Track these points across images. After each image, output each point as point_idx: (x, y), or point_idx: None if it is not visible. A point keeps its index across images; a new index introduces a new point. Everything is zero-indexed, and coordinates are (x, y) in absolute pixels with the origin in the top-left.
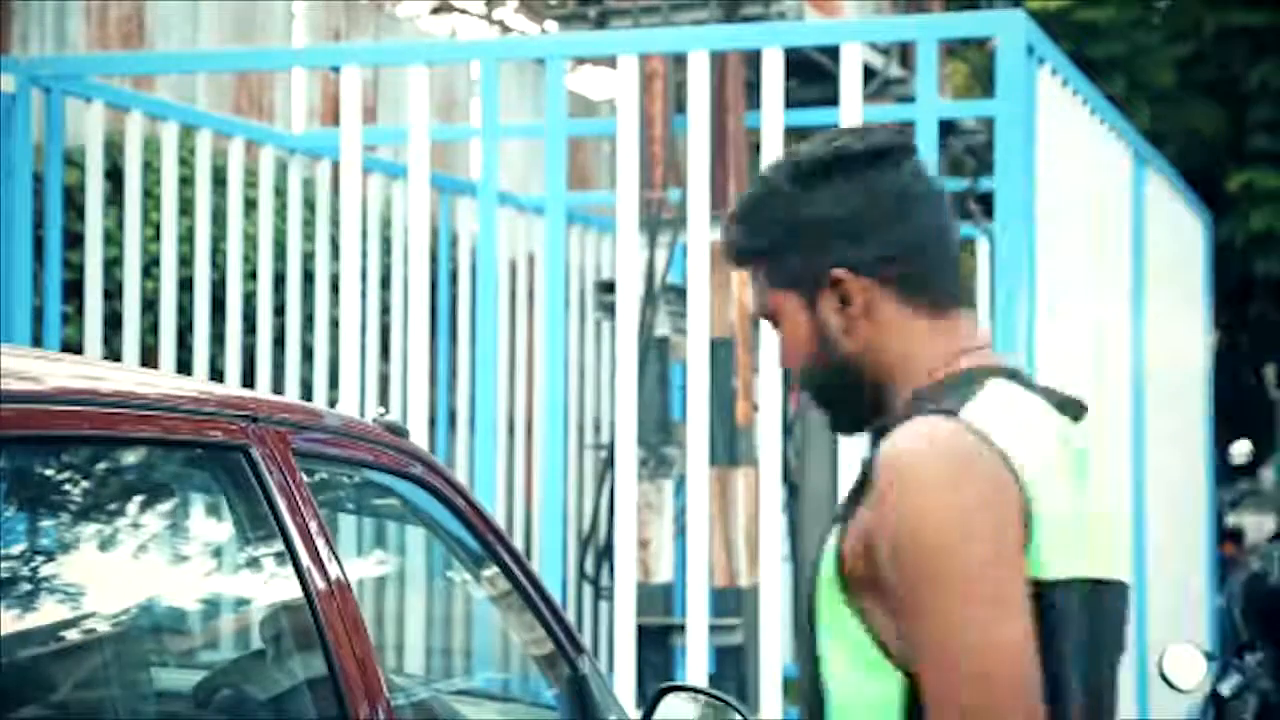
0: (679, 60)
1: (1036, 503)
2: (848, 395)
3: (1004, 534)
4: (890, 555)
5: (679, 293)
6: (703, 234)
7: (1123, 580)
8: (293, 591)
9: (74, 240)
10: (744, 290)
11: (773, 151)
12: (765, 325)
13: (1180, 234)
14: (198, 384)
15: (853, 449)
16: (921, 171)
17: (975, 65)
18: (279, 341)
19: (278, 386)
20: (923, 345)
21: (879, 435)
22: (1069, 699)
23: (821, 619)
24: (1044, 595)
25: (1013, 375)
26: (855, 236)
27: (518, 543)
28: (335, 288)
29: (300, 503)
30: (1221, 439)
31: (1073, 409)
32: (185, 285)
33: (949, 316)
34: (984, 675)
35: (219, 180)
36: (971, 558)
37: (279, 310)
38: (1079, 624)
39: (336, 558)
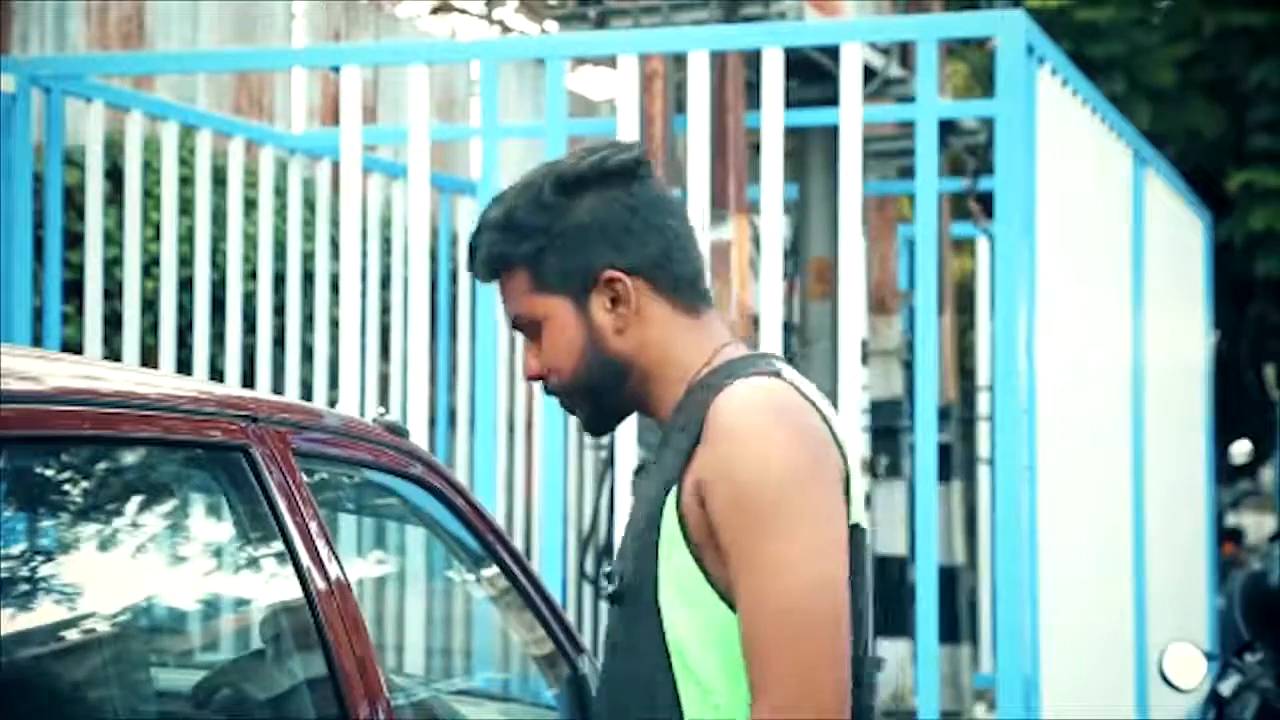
0: (679, 60)
1: (847, 456)
2: (613, 394)
3: (833, 482)
4: (729, 500)
5: None
6: (702, 233)
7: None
8: (292, 591)
9: (74, 240)
10: (744, 290)
11: (773, 152)
12: (529, 337)
13: (1180, 234)
14: (198, 384)
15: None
16: (664, 184)
17: (975, 65)
18: (279, 341)
19: (278, 386)
20: (686, 341)
21: (676, 425)
22: (861, 631)
23: (665, 580)
24: (854, 539)
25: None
26: (618, 242)
27: (518, 543)
28: (335, 288)
29: (300, 503)
30: (1221, 439)
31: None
32: (185, 285)
33: (703, 315)
34: (811, 612)
35: (219, 180)
36: (802, 501)
37: (279, 310)
38: (858, 564)
39: (336, 558)
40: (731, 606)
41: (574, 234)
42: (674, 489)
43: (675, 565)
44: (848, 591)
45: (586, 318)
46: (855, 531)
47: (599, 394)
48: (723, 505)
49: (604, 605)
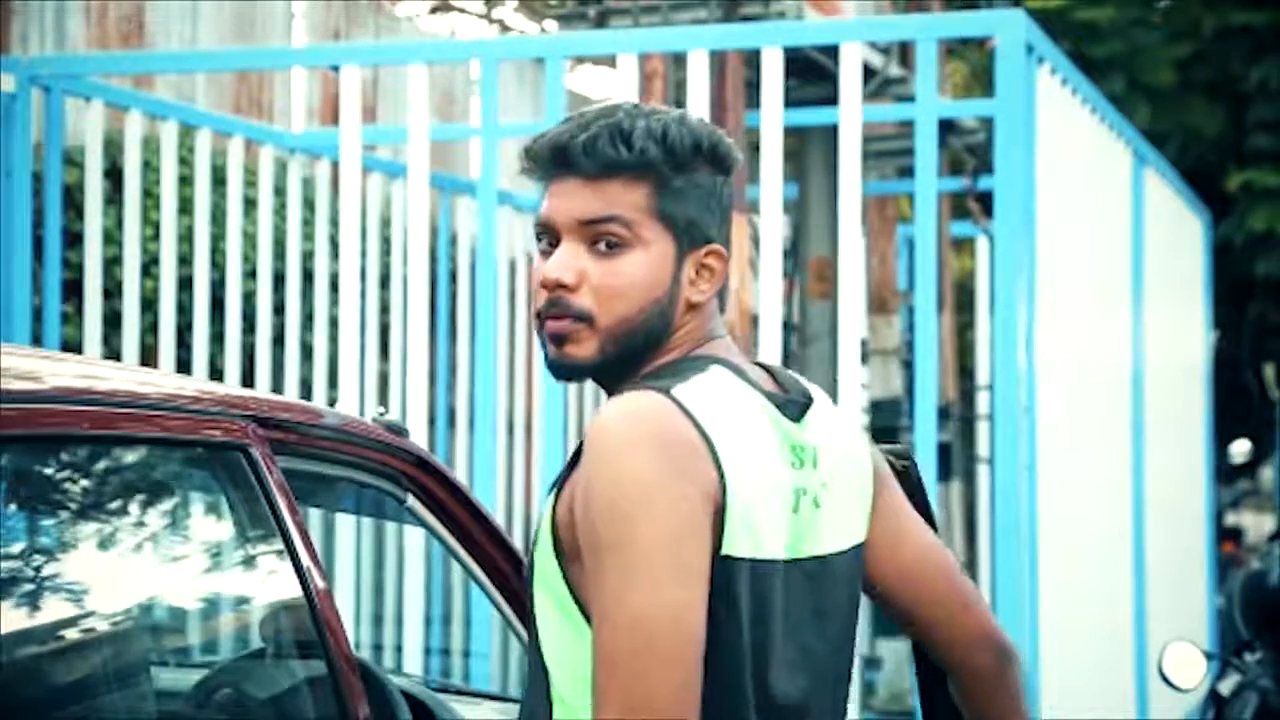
0: (679, 60)
1: (732, 483)
2: (637, 353)
3: (688, 507)
4: (583, 514)
5: None
6: None
7: (846, 549)
8: (292, 591)
9: (73, 239)
10: (744, 289)
11: (773, 151)
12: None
13: (1180, 234)
14: (197, 383)
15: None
16: None
17: (975, 65)
18: (278, 341)
19: (277, 386)
20: (701, 326)
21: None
22: (773, 664)
23: (537, 582)
24: (728, 570)
25: (735, 368)
26: (720, 221)
27: (518, 543)
28: (335, 287)
29: (300, 502)
30: (1221, 439)
31: (793, 410)
32: (185, 284)
33: (715, 308)
34: (647, 638)
35: (218, 179)
36: (652, 525)
37: (278, 309)
38: (790, 597)
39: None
40: (589, 620)
41: (702, 190)
42: (554, 493)
43: (545, 568)
44: (689, 623)
45: (678, 272)
46: (731, 563)
47: (627, 344)
48: (579, 522)
49: None
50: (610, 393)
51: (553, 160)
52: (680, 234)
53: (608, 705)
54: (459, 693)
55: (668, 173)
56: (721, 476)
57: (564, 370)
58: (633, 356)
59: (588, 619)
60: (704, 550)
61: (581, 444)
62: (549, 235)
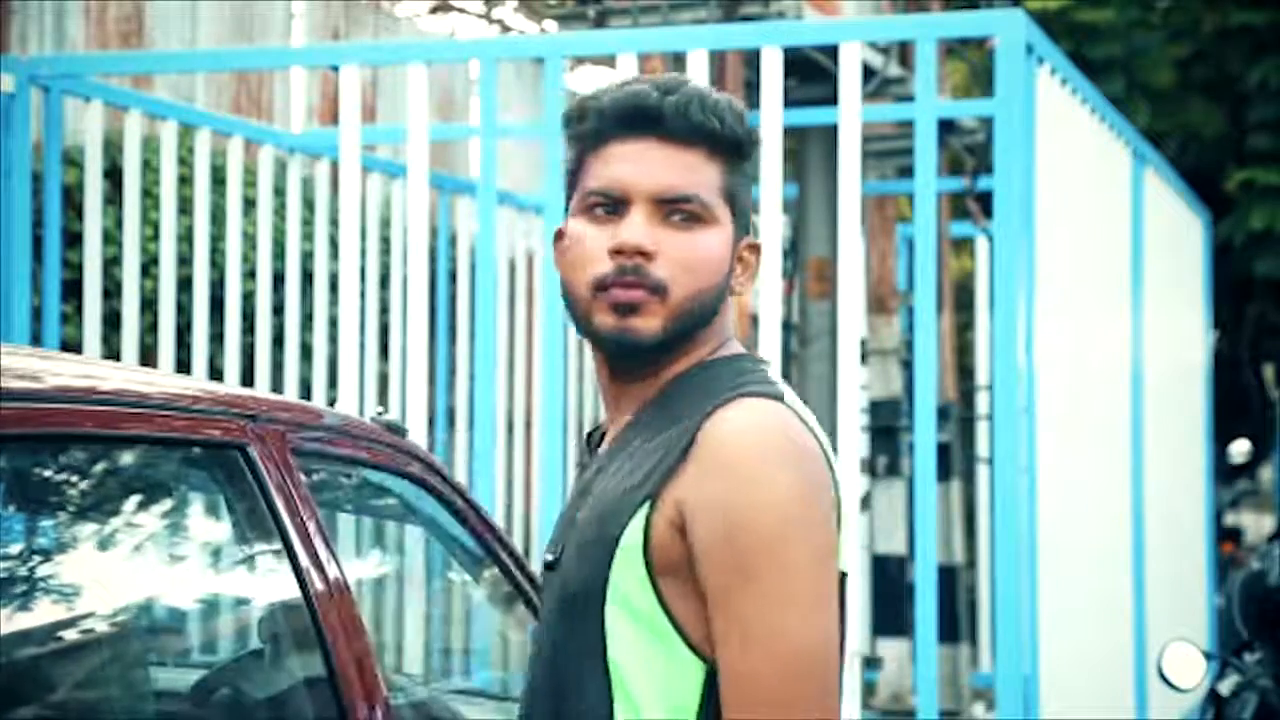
0: (678, 59)
1: (842, 496)
2: (689, 333)
3: (829, 528)
4: (720, 540)
5: None
6: None
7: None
8: (291, 591)
9: (73, 239)
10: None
11: (772, 151)
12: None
13: (1180, 234)
14: (197, 383)
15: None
16: None
17: (975, 65)
18: (278, 341)
19: (276, 385)
20: (726, 320)
21: (666, 415)
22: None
23: (611, 599)
24: (841, 586)
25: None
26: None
27: (517, 543)
28: (334, 287)
29: (299, 502)
30: (1221, 439)
31: None
32: (184, 285)
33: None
34: (808, 668)
35: (218, 179)
36: (805, 549)
37: (278, 309)
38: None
39: (335, 557)
40: (687, 642)
41: (749, 180)
42: (648, 503)
43: (628, 582)
44: (835, 647)
45: (733, 256)
46: (842, 578)
47: (688, 323)
48: (711, 543)
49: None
50: (636, 378)
51: (633, 118)
52: (736, 219)
53: None
54: (459, 693)
55: (738, 155)
56: (836, 490)
57: (626, 344)
58: (684, 338)
59: (683, 638)
60: (835, 571)
61: (681, 454)
62: (611, 200)
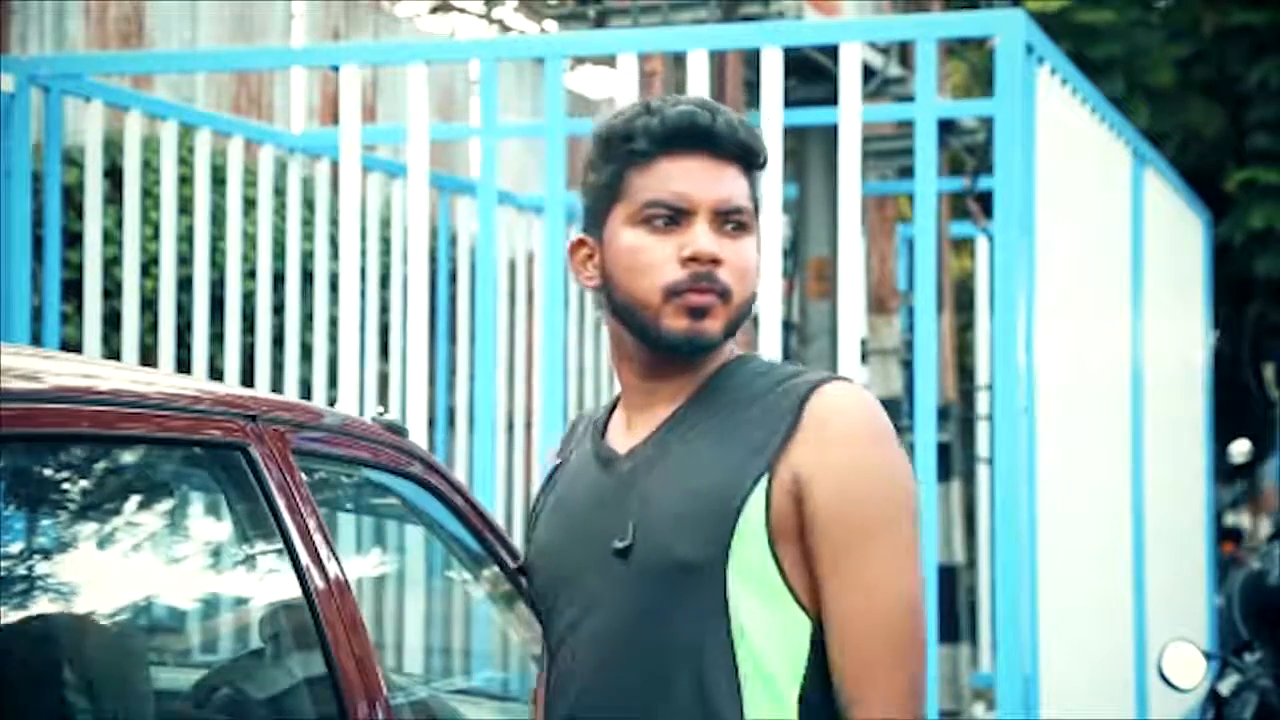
0: (678, 60)
1: None
2: (735, 332)
3: (915, 491)
4: (844, 505)
5: None
6: None
7: None
8: (291, 590)
9: (73, 239)
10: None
11: (772, 151)
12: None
13: (1180, 234)
14: (197, 383)
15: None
16: None
17: (975, 65)
18: (278, 341)
19: (277, 385)
20: None
21: (733, 400)
22: None
23: (735, 559)
24: None
25: None
26: None
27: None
28: (334, 287)
29: (299, 502)
30: (1221, 439)
31: None
32: (184, 284)
33: None
34: (914, 613)
35: (218, 179)
36: (907, 509)
37: (278, 309)
38: None
39: (335, 557)
40: (796, 601)
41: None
42: (765, 475)
43: (749, 553)
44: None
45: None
46: None
47: (739, 323)
48: (833, 509)
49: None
50: (674, 375)
51: (684, 136)
52: (757, 220)
53: (896, 687)
54: (459, 692)
55: (759, 169)
56: None
57: (698, 344)
58: (731, 337)
59: (795, 598)
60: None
61: (788, 429)
62: (674, 211)
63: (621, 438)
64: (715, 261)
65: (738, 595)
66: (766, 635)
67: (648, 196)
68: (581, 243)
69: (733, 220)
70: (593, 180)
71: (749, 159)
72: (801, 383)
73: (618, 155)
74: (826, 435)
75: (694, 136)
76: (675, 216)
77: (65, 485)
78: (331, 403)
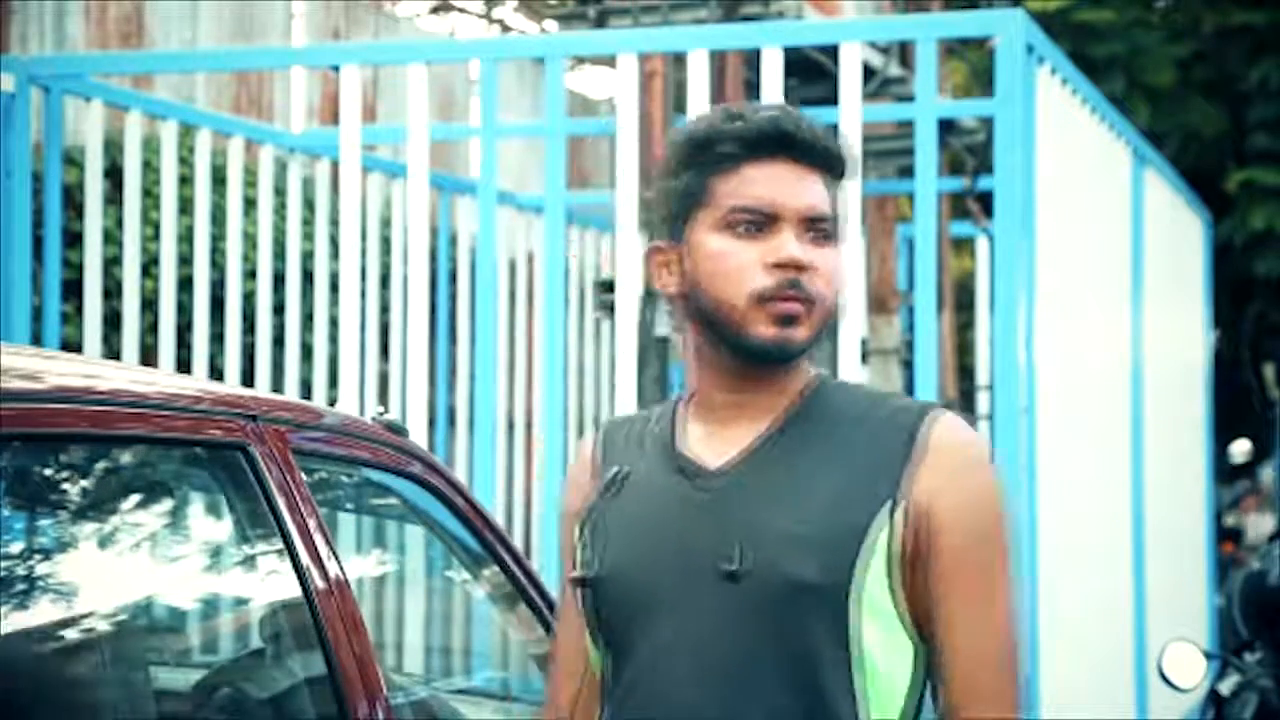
0: (679, 59)
1: None
2: (820, 343)
3: None
4: (971, 533)
5: None
6: None
7: None
8: (292, 590)
9: (73, 239)
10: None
11: None
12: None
13: (1180, 234)
14: (197, 383)
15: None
16: None
17: (975, 65)
18: (278, 341)
19: (277, 385)
20: None
21: (842, 420)
22: None
23: (857, 583)
24: None
25: None
26: None
27: (517, 542)
28: (335, 287)
29: (299, 501)
30: (1221, 439)
31: None
32: (185, 284)
33: None
34: (1016, 636)
35: (218, 179)
36: (1009, 537)
37: (278, 309)
38: None
39: (335, 556)
40: (908, 633)
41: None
42: (890, 502)
43: (869, 577)
44: None
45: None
46: None
47: (822, 332)
48: (957, 537)
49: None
50: (764, 387)
51: (769, 142)
52: (842, 240)
53: (1006, 705)
54: (459, 692)
55: (842, 177)
56: None
57: (785, 352)
58: (815, 346)
59: (902, 624)
60: None
61: (905, 456)
62: (760, 218)
63: (704, 451)
64: (802, 269)
65: (857, 619)
66: (885, 659)
67: (733, 202)
68: (658, 249)
69: (818, 229)
70: (670, 186)
71: (832, 168)
72: (911, 409)
73: (700, 161)
74: (948, 464)
75: (779, 143)
76: (761, 223)
77: (65, 485)
78: (331, 403)
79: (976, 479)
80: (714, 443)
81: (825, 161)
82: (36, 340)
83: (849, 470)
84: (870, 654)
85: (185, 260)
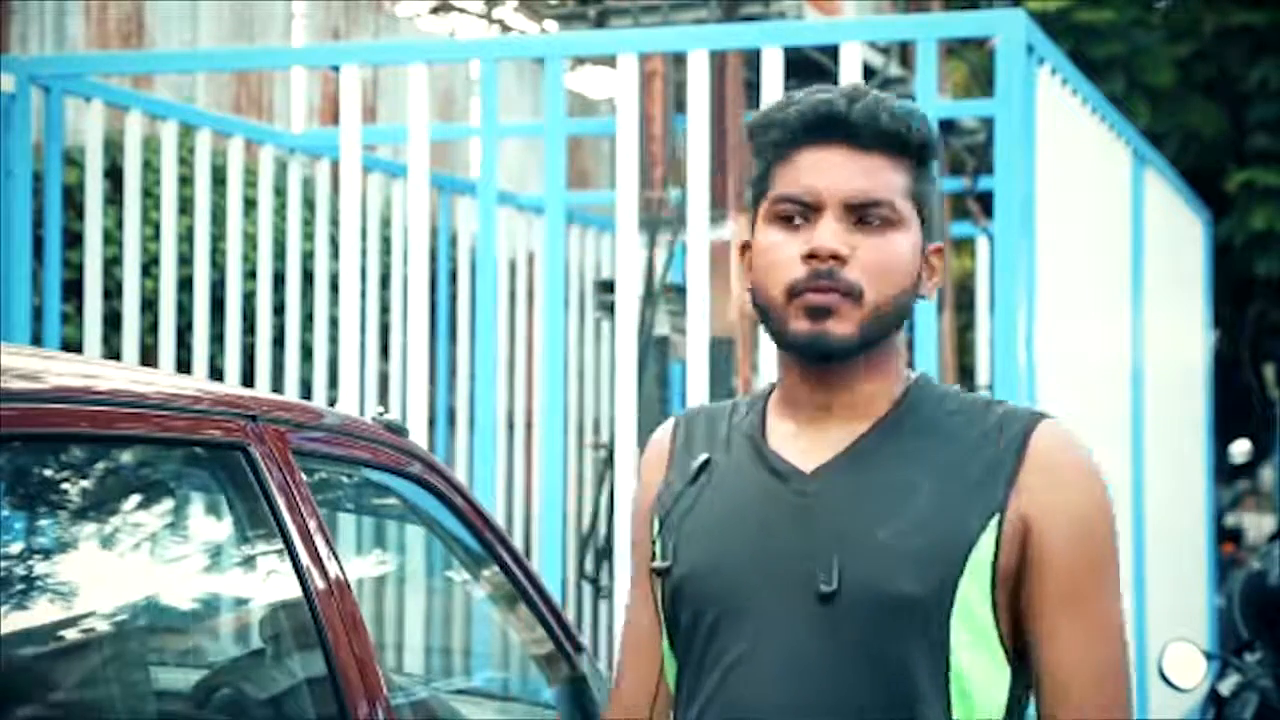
0: (679, 60)
1: None
2: (884, 337)
3: None
4: (1079, 541)
5: (679, 292)
6: (702, 233)
7: None
8: (292, 591)
9: (73, 239)
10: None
11: None
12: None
13: (1180, 234)
14: (197, 383)
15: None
16: None
17: (975, 65)
18: (278, 341)
19: (277, 386)
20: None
21: (953, 428)
22: None
23: (960, 601)
24: None
25: None
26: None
27: (518, 542)
28: (335, 287)
29: (299, 502)
30: (1221, 439)
31: None
32: (185, 285)
33: None
34: (1130, 675)
35: (218, 179)
36: (1119, 551)
37: (278, 309)
38: None
39: (336, 557)
40: (1005, 651)
41: (935, 184)
42: (997, 516)
43: (972, 592)
44: None
45: (922, 261)
46: None
47: (883, 325)
48: (1068, 554)
49: (605, 605)
50: (845, 389)
51: (820, 126)
52: (923, 224)
53: (1120, 715)
54: (459, 692)
55: (923, 159)
56: None
57: (823, 347)
58: (879, 340)
59: (1000, 641)
60: None
61: (1012, 463)
62: (803, 206)
63: (794, 451)
64: (837, 257)
65: (957, 635)
66: (984, 677)
67: (778, 191)
68: (745, 245)
69: (871, 215)
70: (752, 178)
71: (900, 148)
72: (1020, 416)
73: (763, 150)
74: (1058, 478)
75: (830, 126)
76: (806, 212)
77: (65, 485)
78: (331, 403)
79: (1080, 493)
80: (803, 443)
81: (887, 143)
82: (36, 340)
83: (952, 480)
84: (968, 675)
85: (185, 260)
